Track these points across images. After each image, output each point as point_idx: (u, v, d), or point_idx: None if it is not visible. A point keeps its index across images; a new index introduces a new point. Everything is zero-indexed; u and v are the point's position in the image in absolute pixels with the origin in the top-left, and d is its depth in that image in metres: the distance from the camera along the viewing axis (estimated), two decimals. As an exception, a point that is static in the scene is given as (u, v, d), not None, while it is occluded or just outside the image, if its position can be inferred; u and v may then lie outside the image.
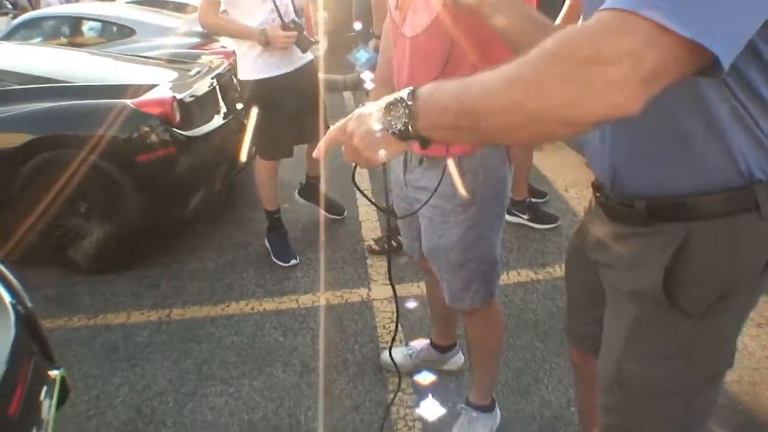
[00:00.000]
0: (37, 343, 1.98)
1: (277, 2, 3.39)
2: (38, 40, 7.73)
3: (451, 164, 1.77)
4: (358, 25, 5.01)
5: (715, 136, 1.05)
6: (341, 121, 1.13)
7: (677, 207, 1.12)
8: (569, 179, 4.69)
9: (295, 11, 3.57)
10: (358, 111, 1.08)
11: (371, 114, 1.03)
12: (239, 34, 3.45)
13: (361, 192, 1.39)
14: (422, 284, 3.04)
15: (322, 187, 4.12)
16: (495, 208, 1.89)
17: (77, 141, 3.60)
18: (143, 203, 3.71)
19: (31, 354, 1.89)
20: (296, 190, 4.33)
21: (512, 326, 2.98)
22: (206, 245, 4.12)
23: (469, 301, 1.99)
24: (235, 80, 4.81)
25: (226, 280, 3.67)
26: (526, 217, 3.94)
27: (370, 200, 1.40)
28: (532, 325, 3.01)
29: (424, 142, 0.99)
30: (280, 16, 3.40)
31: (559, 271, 3.44)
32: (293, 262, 3.77)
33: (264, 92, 3.49)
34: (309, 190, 4.24)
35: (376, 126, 1.01)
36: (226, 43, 6.68)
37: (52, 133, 3.65)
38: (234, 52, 3.99)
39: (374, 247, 3.85)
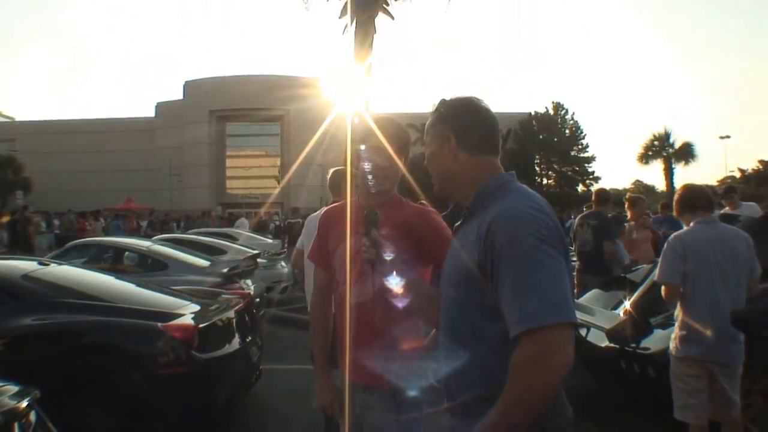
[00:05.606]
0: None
1: None
2: (83, 260, 8.59)
3: None
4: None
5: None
6: None
7: None
8: None
9: None
10: None
11: None
12: None
13: None
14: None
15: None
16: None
17: (113, 350, 4.45)
18: (159, 409, 4.40)
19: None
20: None
21: None
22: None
23: None
24: (247, 317, 5.70)
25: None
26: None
27: None
28: None
29: None
30: None
31: None
32: None
33: None
34: None
35: None
36: (244, 285, 7.71)
37: (94, 341, 4.48)
38: (250, 293, 4.79)
39: None
